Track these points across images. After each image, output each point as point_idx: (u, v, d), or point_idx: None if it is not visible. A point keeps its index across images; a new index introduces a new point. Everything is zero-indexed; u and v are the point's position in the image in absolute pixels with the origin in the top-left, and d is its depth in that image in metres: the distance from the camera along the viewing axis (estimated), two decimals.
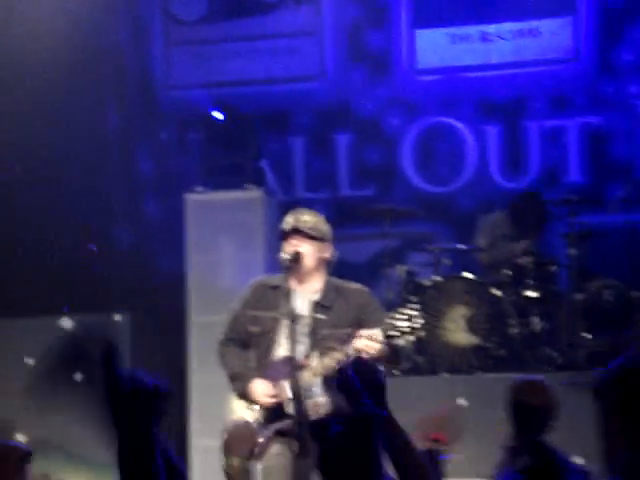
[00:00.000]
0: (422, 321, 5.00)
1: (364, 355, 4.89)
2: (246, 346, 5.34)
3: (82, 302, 8.42)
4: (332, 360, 5.04)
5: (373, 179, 9.54)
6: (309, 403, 5.10)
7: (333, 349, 5.08)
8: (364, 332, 4.97)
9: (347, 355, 4.99)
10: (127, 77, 9.58)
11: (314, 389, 5.13)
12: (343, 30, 9.66)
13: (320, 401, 5.13)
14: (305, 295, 5.25)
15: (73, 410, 7.97)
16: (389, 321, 4.99)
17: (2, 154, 8.82)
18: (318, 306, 5.21)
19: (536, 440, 2.41)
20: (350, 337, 5.06)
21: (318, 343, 5.15)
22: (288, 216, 5.32)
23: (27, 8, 8.99)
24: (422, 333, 5.08)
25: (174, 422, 8.28)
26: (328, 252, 5.29)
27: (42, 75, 8.83)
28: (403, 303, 7.72)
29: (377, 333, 4.96)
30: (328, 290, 5.24)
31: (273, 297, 5.24)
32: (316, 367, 5.08)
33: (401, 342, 5.08)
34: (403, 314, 5.00)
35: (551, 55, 9.35)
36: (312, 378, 5.10)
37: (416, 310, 5.02)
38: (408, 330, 4.97)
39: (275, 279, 5.34)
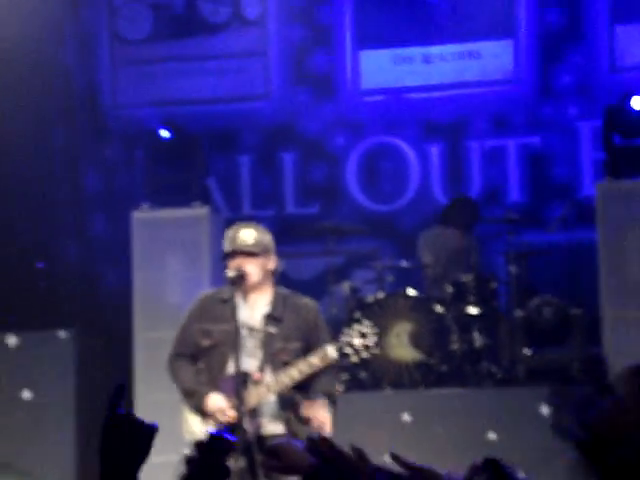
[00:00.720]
0: (375, 338, 5.03)
1: (312, 424, 5.00)
2: (195, 359, 5.31)
3: (27, 319, 8.40)
4: (286, 377, 5.06)
5: (318, 197, 9.66)
6: (261, 420, 5.11)
7: (287, 364, 5.09)
8: (310, 357, 5.02)
9: (300, 372, 5.03)
10: (74, 95, 9.61)
11: (266, 407, 5.14)
12: (289, 51, 9.78)
13: (271, 420, 5.15)
14: (254, 307, 5.25)
15: (25, 430, 7.91)
16: (344, 339, 5.02)
17: None
18: (269, 318, 5.21)
19: (494, 460, 2.43)
20: (302, 353, 5.11)
21: (270, 357, 5.16)
22: (228, 235, 5.30)
23: None
24: (376, 351, 5.10)
25: None
26: (272, 263, 5.27)
27: None
28: (348, 319, 7.84)
29: (330, 349, 5.01)
30: (277, 302, 5.24)
31: (222, 310, 5.21)
32: (270, 384, 5.09)
33: (354, 359, 5.10)
34: (358, 332, 5.03)
35: (492, 77, 9.54)
36: (266, 395, 5.10)
37: (369, 327, 5.05)
38: (363, 348, 5.01)
39: (223, 292, 5.30)
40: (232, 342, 5.11)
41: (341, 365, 7.11)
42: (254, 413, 5.06)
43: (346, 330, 5.10)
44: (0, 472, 7.92)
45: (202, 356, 5.28)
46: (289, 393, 5.16)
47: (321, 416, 5.05)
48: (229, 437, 2.46)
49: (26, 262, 8.88)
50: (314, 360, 5.03)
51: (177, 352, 5.37)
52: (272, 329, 5.18)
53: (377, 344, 5.05)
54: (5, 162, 8.89)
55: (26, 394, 8.08)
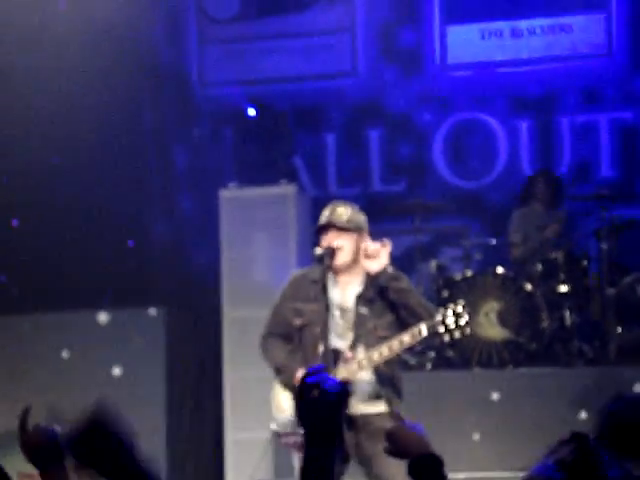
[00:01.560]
0: (468, 318, 4.98)
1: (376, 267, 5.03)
2: (288, 339, 5.31)
3: (118, 297, 8.51)
4: (377, 353, 5.03)
5: (405, 174, 9.59)
6: (352, 400, 5.06)
7: (384, 339, 5.06)
8: (403, 333, 4.99)
9: (391, 349, 5.00)
10: (162, 74, 9.67)
11: (359, 386, 5.11)
12: (375, 27, 9.71)
13: (364, 400, 5.14)
14: (345, 288, 5.23)
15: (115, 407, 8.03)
16: (437, 318, 4.98)
17: (41, 150, 8.91)
18: (361, 299, 5.17)
19: (580, 434, 2.38)
20: (396, 324, 5.09)
21: (363, 337, 5.13)
22: (323, 212, 5.28)
23: (67, 8, 9.08)
24: (468, 331, 5.04)
25: (209, 416, 8.36)
26: (366, 242, 5.24)
27: (79, 73, 8.92)
28: (436, 298, 7.80)
29: (422, 328, 4.97)
30: (368, 282, 5.18)
31: (313, 290, 5.19)
32: (362, 360, 5.06)
33: (446, 338, 5.04)
34: (452, 311, 4.98)
35: (583, 51, 9.35)
36: (358, 371, 5.07)
37: (463, 307, 5.00)
38: (455, 327, 4.96)
39: (314, 272, 5.28)
40: (323, 322, 5.11)
41: (429, 344, 7.08)
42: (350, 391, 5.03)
43: (440, 309, 5.06)
44: None
45: (295, 335, 5.28)
46: (387, 370, 5.14)
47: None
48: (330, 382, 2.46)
49: (116, 240, 8.98)
50: (406, 338, 4.99)
51: (270, 331, 5.38)
52: (363, 310, 5.15)
53: (469, 324, 5.00)
54: (96, 143, 8.99)
55: (117, 371, 8.20)
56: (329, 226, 5.19)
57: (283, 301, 5.34)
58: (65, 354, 8.26)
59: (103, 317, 8.36)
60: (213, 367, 8.26)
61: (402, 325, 5.12)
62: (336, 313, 5.15)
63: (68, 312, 8.33)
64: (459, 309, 4.97)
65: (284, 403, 5.25)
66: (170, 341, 8.27)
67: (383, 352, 5.01)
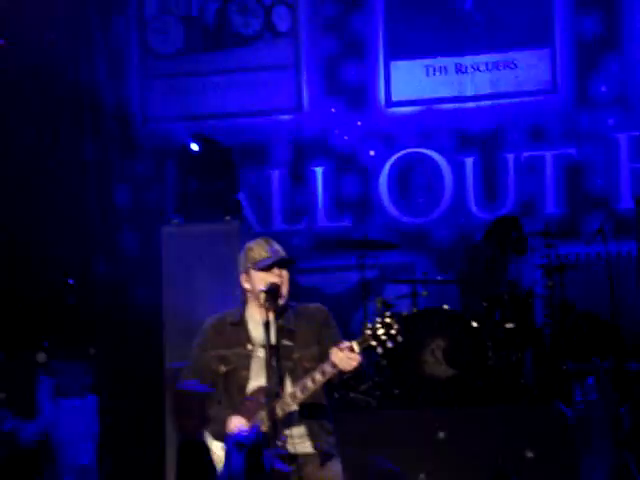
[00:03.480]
0: (398, 326, 4.91)
1: (342, 368, 4.82)
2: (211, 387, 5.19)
3: (58, 335, 8.34)
4: (309, 382, 4.93)
5: (350, 210, 9.54)
6: (290, 438, 4.99)
7: (306, 373, 4.98)
8: (343, 345, 4.87)
9: (324, 373, 4.90)
10: (104, 109, 9.56)
11: (292, 417, 5.00)
12: (320, 63, 9.69)
13: (296, 432, 5.06)
14: (268, 324, 5.03)
15: None
16: (368, 331, 4.87)
17: None
18: (284, 331, 5.08)
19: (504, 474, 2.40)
20: (323, 355, 4.98)
21: (288, 369, 5.05)
22: (254, 248, 5.14)
23: (8, 41, 8.95)
24: (400, 339, 4.97)
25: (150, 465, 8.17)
26: (336, 349, 4.98)
27: (19, 107, 8.79)
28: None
29: (355, 345, 4.88)
30: (289, 315, 5.12)
31: (235, 333, 5.11)
32: (294, 392, 4.96)
33: (380, 351, 4.96)
34: (380, 323, 4.92)
35: (528, 87, 9.39)
36: (291, 405, 4.96)
37: (391, 317, 4.93)
38: (386, 337, 4.89)
39: (231, 314, 5.19)
40: (252, 362, 5.04)
41: (374, 381, 6.97)
42: (280, 429, 4.95)
43: (368, 324, 4.99)
44: None
45: (219, 383, 5.14)
46: (314, 405, 5.06)
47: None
48: (247, 438, 2.36)
49: (56, 278, 8.81)
50: (349, 349, 4.86)
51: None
52: (287, 342, 5.06)
53: (400, 332, 4.91)
54: (35, 178, 8.85)
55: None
56: (275, 264, 5.08)
57: (204, 350, 5.17)
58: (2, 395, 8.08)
59: (42, 357, 8.19)
60: (157, 408, 8.10)
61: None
62: (260, 351, 5.04)
63: (6, 352, 8.15)
64: (388, 320, 4.90)
65: (219, 452, 5.08)
66: (108, 380, 8.10)
67: (316, 378, 4.90)
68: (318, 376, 4.91)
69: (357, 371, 4.88)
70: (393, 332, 4.86)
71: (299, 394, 4.96)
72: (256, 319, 5.10)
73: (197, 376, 5.19)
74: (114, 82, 9.66)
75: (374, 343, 4.86)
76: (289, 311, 5.13)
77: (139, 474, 8.28)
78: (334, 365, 4.84)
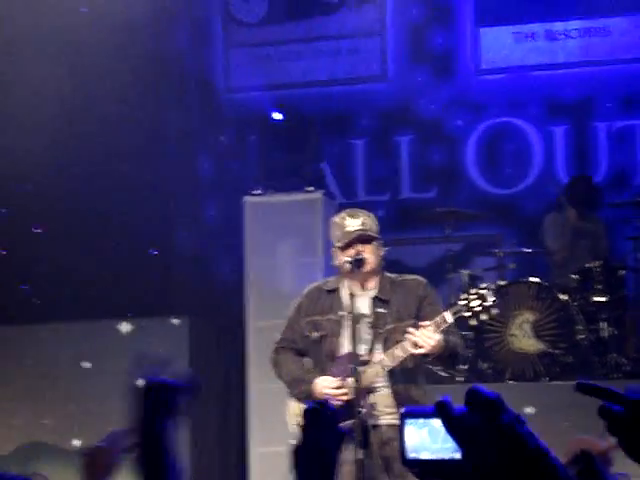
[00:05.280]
0: (494, 299, 4.78)
1: (420, 348, 4.75)
2: (302, 353, 5.25)
3: (141, 306, 8.34)
4: (400, 350, 4.88)
5: (436, 181, 9.36)
6: (377, 408, 4.94)
7: (399, 341, 4.93)
8: (426, 323, 4.80)
9: (404, 350, 4.85)
10: (187, 80, 9.50)
11: (379, 383, 4.98)
12: (406, 30, 9.50)
13: (381, 401, 4.97)
14: (362, 294, 5.13)
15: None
16: (461, 302, 4.81)
17: (65, 158, 8.78)
18: (377, 301, 5.09)
19: (589, 452, 2.30)
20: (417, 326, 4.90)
21: (382, 338, 5.01)
22: (337, 222, 5.17)
23: (90, 11, 8.94)
24: (495, 312, 4.85)
25: (233, 428, 8.17)
26: (382, 249, 5.18)
27: (104, 79, 8.77)
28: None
29: (447, 315, 4.77)
30: (384, 285, 5.11)
31: (330, 301, 5.15)
32: (383, 360, 4.94)
33: (473, 322, 4.87)
34: (475, 294, 4.81)
35: (620, 54, 9.09)
36: (379, 372, 4.95)
37: (488, 289, 4.81)
38: (480, 309, 4.78)
39: (330, 282, 5.25)
40: (343, 331, 5.04)
41: (462, 355, 6.85)
42: (369, 397, 4.91)
43: (463, 294, 4.85)
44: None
45: (311, 349, 5.20)
46: (407, 377, 4.98)
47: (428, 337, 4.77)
48: (328, 408, 2.26)
49: (140, 249, 8.81)
50: (429, 328, 4.79)
51: (283, 345, 5.30)
52: (381, 310, 5.04)
53: (496, 305, 4.80)
54: (120, 148, 8.84)
55: (140, 382, 8.02)
56: (359, 237, 5.09)
57: (299, 314, 5.25)
58: (86, 364, 8.11)
59: (126, 327, 8.20)
60: (238, 378, 8.08)
61: None
62: (357, 319, 5.01)
63: (90, 321, 8.18)
64: (483, 291, 4.76)
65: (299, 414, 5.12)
66: (194, 351, 8.11)
67: (407, 347, 4.84)
68: (402, 350, 4.85)
69: (440, 354, 4.77)
70: (488, 304, 4.76)
71: (388, 362, 4.89)
72: (350, 288, 5.09)
73: (289, 339, 5.26)
74: (197, 51, 9.59)
75: (467, 314, 4.77)
76: (384, 281, 5.10)
77: (222, 445, 8.27)
78: (414, 344, 4.76)
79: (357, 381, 4.84)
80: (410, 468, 1.53)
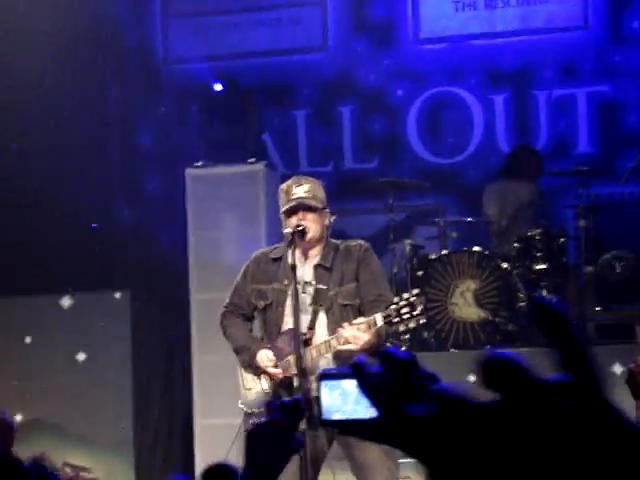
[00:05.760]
0: (422, 307, 4.90)
1: (351, 346, 4.86)
2: (248, 319, 5.33)
3: (82, 280, 8.27)
4: (335, 341, 4.96)
5: (377, 151, 9.35)
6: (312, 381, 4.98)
7: (342, 309, 5.05)
8: (357, 321, 4.92)
9: (330, 346, 4.97)
10: (126, 51, 9.37)
11: (320, 367, 4.99)
12: (346, 0, 9.44)
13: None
14: (306, 262, 5.18)
15: (73, 390, 7.84)
16: (393, 307, 4.91)
17: (1, 131, 8.65)
18: (320, 268, 5.14)
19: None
20: (358, 292, 5.05)
21: (324, 306, 5.08)
22: (284, 189, 5.19)
23: None
24: (423, 320, 4.99)
25: (178, 402, 8.15)
26: (327, 218, 5.21)
27: (40, 50, 8.62)
28: (410, 278, 7.60)
29: (378, 319, 4.88)
30: (328, 252, 5.16)
31: (274, 269, 5.19)
32: (320, 346, 5.01)
33: (401, 328, 5.00)
34: (406, 300, 4.91)
35: (559, 23, 9.12)
36: (317, 356, 5.02)
37: (417, 296, 4.92)
38: (408, 317, 4.89)
39: (275, 250, 5.30)
40: (288, 300, 5.08)
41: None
42: (305, 373, 4.97)
43: (396, 297, 4.99)
44: (54, 435, 7.83)
45: (258, 316, 5.28)
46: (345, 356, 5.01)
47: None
48: (301, 405, 2.29)
49: (80, 223, 8.72)
50: (361, 327, 4.92)
51: (230, 310, 5.36)
52: (323, 277, 5.11)
53: (424, 312, 4.92)
54: (57, 122, 8.71)
55: (81, 356, 7.99)
56: (296, 208, 5.10)
57: (245, 279, 5.30)
58: (28, 339, 8.05)
59: (66, 301, 8.14)
60: (181, 351, 8.06)
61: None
62: (299, 288, 5.07)
63: (31, 296, 8.10)
64: (413, 298, 4.88)
65: (249, 382, 5.22)
66: (136, 325, 8.08)
67: (340, 341, 4.94)
68: (337, 341, 4.94)
69: (372, 351, 4.83)
70: (416, 313, 4.90)
71: (334, 343, 4.97)
72: (297, 256, 5.10)
73: (236, 304, 5.31)
74: (135, 20, 9.45)
75: (396, 320, 4.90)
76: (328, 248, 5.15)
77: (166, 417, 8.25)
78: (345, 341, 4.88)
79: (299, 359, 4.93)
80: (325, 427, 1.60)
